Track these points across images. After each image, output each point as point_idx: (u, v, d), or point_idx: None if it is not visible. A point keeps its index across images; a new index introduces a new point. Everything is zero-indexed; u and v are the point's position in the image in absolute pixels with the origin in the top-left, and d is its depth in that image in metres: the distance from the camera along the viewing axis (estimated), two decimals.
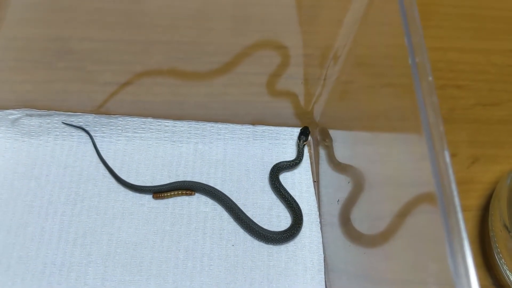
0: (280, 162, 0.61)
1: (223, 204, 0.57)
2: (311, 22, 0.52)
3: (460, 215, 0.32)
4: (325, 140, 0.61)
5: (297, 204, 0.58)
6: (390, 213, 0.41)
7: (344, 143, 0.55)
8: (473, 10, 0.78)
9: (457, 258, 0.30)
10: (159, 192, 0.58)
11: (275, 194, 0.59)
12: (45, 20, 0.51)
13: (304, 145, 0.62)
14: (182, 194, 0.58)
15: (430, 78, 0.35)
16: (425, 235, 0.35)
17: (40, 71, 0.57)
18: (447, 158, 0.32)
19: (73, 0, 0.49)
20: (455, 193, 0.33)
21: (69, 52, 0.54)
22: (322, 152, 0.61)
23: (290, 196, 0.59)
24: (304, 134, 0.62)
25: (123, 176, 0.58)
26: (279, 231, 0.56)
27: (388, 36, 0.44)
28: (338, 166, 0.55)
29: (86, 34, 0.53)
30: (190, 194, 0.58)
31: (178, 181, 0.59)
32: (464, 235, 0.31)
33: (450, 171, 0.33)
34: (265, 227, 0.56)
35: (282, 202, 0.59)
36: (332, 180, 0.57)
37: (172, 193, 0.57)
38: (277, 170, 0.60)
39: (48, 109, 0.60)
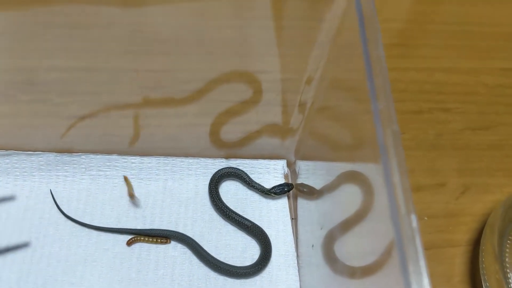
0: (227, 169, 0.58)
1: (187, 246, 0.54)
2: (287, 45, 0.49)
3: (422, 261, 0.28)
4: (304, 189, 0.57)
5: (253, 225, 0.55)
6: (366, 257, 0.38)
7: (320, 176, 0.52)
8: (462, 26, 0.75)
9: None
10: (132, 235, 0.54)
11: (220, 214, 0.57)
12: (7, 50, 0.48)
13: (270, 196, 0.58)
14: (156, 242, 0.54)
15: (395, 127, 0.31)
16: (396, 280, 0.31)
17: (2, 106, 0.54)
18: (414, 222, 0.28)
19: (37, 28, 0.46)
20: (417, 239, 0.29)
21: (34, 83, 0.51)
22: (301, 186, 0.57)
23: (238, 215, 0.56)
24: (281, 188, 0.57)
25: (87, 219, 0.55)
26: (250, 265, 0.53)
27: (356, 61, 0.40)
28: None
29: (52, 64, 0.50)
30: (165, 243, 0.54)
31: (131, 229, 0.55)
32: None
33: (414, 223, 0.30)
34: None
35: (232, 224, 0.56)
36: (310, 219, 0.53)
37: (144, 238, 0.54)
38: (218, 178, 0.58)
39: (8, 148, 0.57)
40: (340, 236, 0.43)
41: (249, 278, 0.52)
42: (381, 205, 0.33)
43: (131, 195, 0.55)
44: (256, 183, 0.58)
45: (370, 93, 0.33)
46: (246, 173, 0.59)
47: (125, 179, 0.57)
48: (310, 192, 0.53)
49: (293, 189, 0.58)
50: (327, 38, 0.46)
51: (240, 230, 0.56)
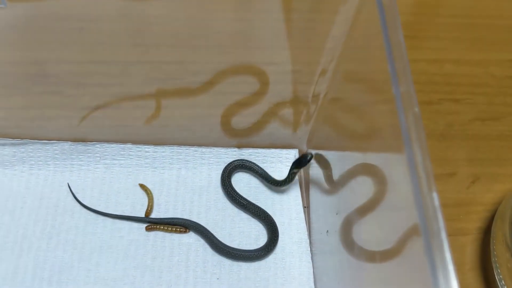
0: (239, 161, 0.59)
1: (200, 234, 0.55)
2: (298, 37, 0.49)
3: (445, 245, 0.29)
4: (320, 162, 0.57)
5: (262, 212, 0.56)
6: (385, 241, 0.38)
7: (334, 165, 0.52)
8: (471, 19, 0.75)
9: None
10: (151, 223, 0.55)
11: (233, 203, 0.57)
12: (20, 42, 0.49)
13: (294, 173, 0.56)
14: (174, 231, 0.54)
15: (416, 109, 0.31)
16: (417, 263, 0.32)
17: (15, 97, 0.54)
18: (436, 202, 0.29)
19: (49, 20, 0.46)
20: (440, 220, 0.30)
21: (46, 75, 0.52)
22: (313, 175, 0.58)
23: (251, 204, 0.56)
24: (298, 162, 0.56)
25: (101, 207, 0.55)
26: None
27: (373, 51, 0.41)
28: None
29: (64, 56, 0.50)
30: (184, 232, 0.54)
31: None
32: (451, 267, 0.28)
33: (436, 201, 0.31)
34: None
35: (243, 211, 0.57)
36: (323, 206, 0.54)
37: (163, 227, 0.54)
38: (230, 170, 0.58)
39: (23, 137, 0.57)
40: (358, 220, 0.43)
41: (261, 259, 0.53)
42: (402, 188, 0.34)
43: (148, 212, 0.56)
44: (273, 179, 0.58)
45: (392, 78, 0.34)
46: (266, 172, 0.58)
47: (145, 189, 0.57)
48: (323, 180, 0.54)
49: (306, 177, 0.58)
50: (341, 30, 0.46)
51: (240, 209, 0.57)
